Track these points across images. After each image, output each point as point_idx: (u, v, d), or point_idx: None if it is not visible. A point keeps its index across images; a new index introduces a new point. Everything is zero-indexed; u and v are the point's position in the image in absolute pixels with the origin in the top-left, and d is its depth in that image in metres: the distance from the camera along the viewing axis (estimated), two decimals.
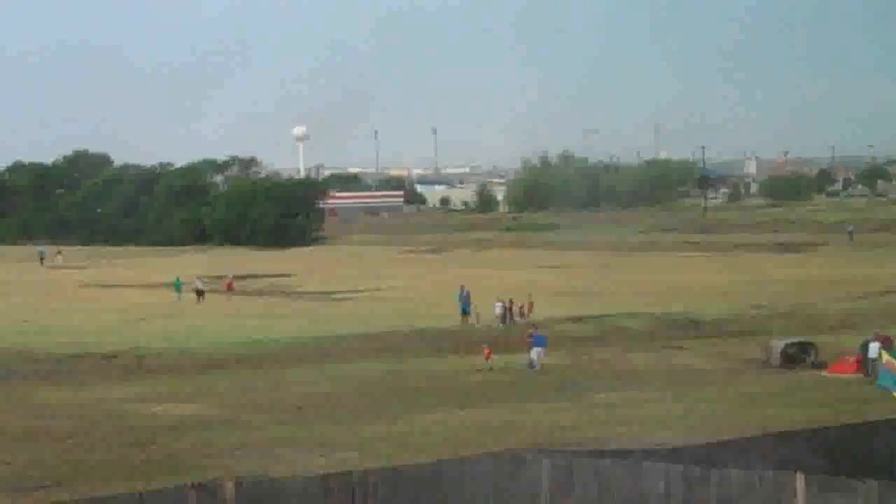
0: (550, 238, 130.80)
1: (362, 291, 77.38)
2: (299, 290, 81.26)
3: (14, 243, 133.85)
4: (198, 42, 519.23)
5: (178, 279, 76.81)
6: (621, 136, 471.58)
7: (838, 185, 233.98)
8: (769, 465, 21.41)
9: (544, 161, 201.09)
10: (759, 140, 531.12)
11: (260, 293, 78.69)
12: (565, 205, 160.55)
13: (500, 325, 55.93)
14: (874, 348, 42.11)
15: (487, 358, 45.86)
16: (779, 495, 19.53)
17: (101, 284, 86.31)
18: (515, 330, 55.56)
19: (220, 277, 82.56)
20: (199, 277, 76.80)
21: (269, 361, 47.32)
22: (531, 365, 45.14)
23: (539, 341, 46.40)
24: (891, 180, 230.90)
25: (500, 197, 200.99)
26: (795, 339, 47.42)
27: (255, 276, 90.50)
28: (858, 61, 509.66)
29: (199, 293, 72.05)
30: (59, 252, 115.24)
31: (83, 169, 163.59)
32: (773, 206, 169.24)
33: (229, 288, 78.26)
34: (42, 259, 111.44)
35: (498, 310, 57.22)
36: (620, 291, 72.85)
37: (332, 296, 75.66)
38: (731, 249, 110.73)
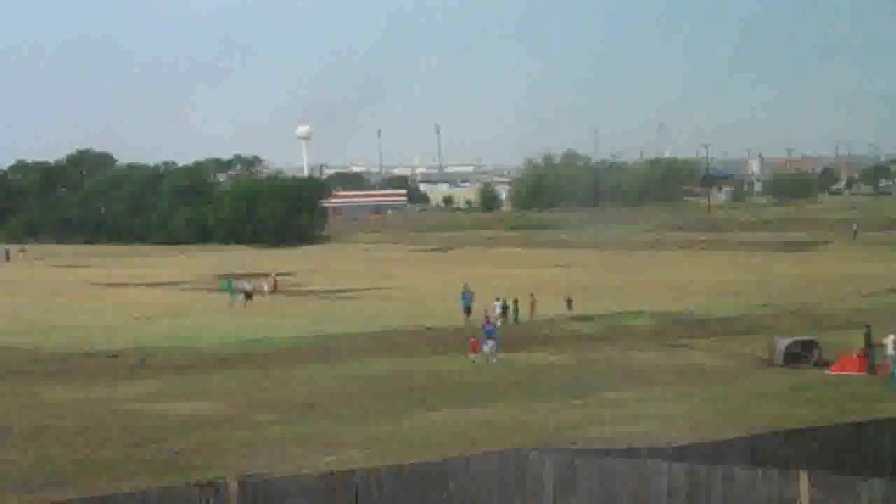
0: (557, 236, 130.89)
1: (369, 290, 77.45)
2: (306, 288, 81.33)
3: (21, 242, 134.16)
4: (201, 41, 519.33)
5: (230, 281, 75.83)
6: (625, 134, 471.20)
7: (842, 184, 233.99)
8: (774, 463, 21.49)
9: (548, 160, 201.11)
10: (763, 139, 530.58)
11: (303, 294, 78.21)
12: (571, 203, 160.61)
13: (499, 324, 55.55)
14: (891, 343, 42.21)
15: (473, 351, 46.79)
16: (783, 494, 19.61)
17: (109, 283, 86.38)
18: (520, 329, 55.67)
19: (262, 275, 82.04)
20: (245, 279, 75.85)
21: (276, 360, 47.39)
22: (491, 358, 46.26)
23: (489, 333, 47.45)
24: (894, 178, 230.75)
25: (503, 196, 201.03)
26: (799, 338, 47.50)
27: (263, 275, 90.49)
28: (861, 60, 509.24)
29: (248, 295, 70.67)
30: (22, 250, 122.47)
31: (87, 168, 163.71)
32: (778, 204, 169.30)
33: (275, 288, 77.62)
34: (8, 257, 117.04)
35: (497, 309, 57.06)
36: (627, 290, 72.92)
37: (339, 294, 75.74)
38: (737, 248, 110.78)
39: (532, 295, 59.87)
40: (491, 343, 47.14)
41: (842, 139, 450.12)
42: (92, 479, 27.71)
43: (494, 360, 46.41)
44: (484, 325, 49.24)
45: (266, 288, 76.96)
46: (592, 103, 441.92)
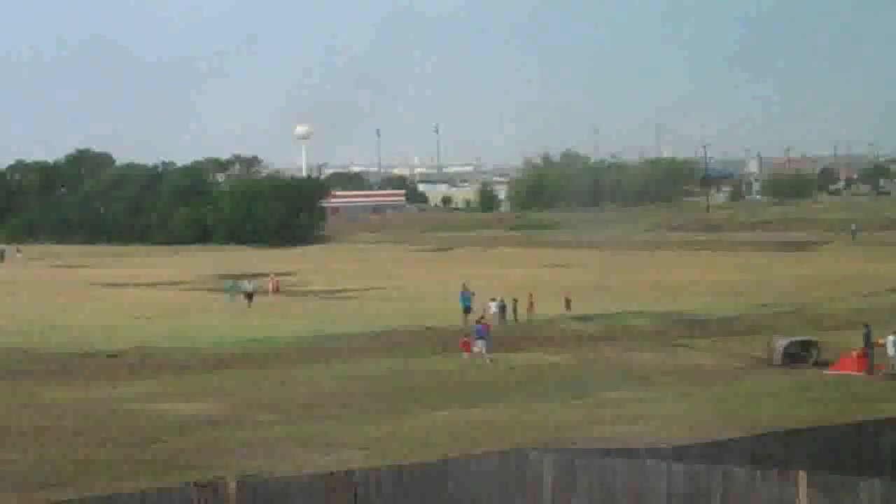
0: (556, 236, 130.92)
1: (369, 290, 77.47)
2: (305, 288, 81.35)
3: (21, 242, 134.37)
4: (200, 41, 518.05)
5: (232, 281, 75.63)
6: (624, 134, 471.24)
7: (840, 184, 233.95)
8: (774, 463, 21.52)
9: (546, 160, 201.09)
10: (762, 139, 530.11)
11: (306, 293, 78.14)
12: (570, 203, 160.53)
13: (497, 323, 55.62)
14: (891, 342, 42.27)
15: (463, 350, 47.02)
16: (782, 494, 19.64)
17: (109, 283, 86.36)
18: (519, 329, 55.70)
19: (261, 276, 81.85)
20: (246, 279, 75.48)
21: (276, 360, 47.42)
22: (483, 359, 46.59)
23: (479, 332, 47.71)
24: (893, 178, 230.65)
25: (501, 196, 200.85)
26: (797, 338, 47.56)
27: (261, 275, 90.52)
28: (861, 59, 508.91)
29: (249, 296, 69.97)
30: (19, 250, 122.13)
31: (86, 168, 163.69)
32: (777, 204, 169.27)
33: (275, 289, 77.38)
34: (3, 257, 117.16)
35: (493, 308, 57.12)
36: (627, 290, 72.89)
37: (339, 294, 75.77)
38: (736, 248, 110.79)
39: (530, 295, 59.86)
40: (481, 342, 47.29)
41: (841, 139, 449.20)
42: (92, 479, 27.73)
43: (489, 360, 46.51)
44: (475, 325, 49.54)
45: (270, 288, 76.94)
46: (592, 103, 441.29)
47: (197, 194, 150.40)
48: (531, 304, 59.24)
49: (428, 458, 24.14)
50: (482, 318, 51.67)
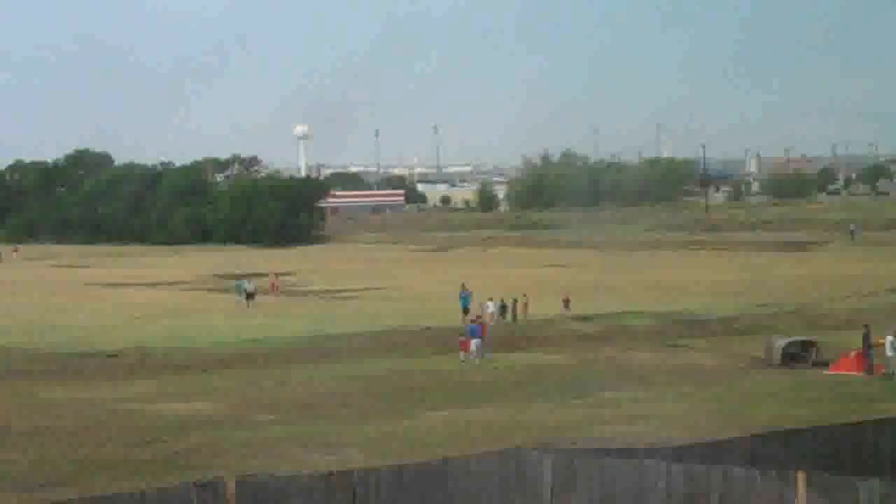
0: (555, 236, 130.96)
1: (368, 290, 77.47)
2: (305, 288, 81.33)
3: (20, 242, 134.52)
4: (199, 41, 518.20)
5: (241, 281, 75.43)
6: (623, 134, 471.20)
7: (840, 184, 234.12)
8: (773, 464, 21.52)
9: (545, 160, 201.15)
10: (761, 139, 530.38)
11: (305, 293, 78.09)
12: (569, 203, 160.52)
13: (496, 323, 55.69)
14: (889, 343, 42.26)
15: (461, 349, 47.11)
16: (781, 494, 19.65)
17: (109, 283, 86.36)
18: (519, 329, 55.72)
19: (260, 276, 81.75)
20: (247, 279, 75.14)
21: (275, 360, 47.44)
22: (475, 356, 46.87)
23: (473, 332, 47.97)
24: (892, 179, 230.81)
25: (501, 196, 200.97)
26: (796, 338, 47.57)
27: (261, 275, 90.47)
28: (861, 59, 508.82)
29: (250, 295, 69.71)
30: (16, 250, 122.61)
31: (85, 168, 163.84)
32: (776, 204, 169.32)
33: (274, 289, 77.27)
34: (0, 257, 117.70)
35: (490, 309, 57.18)
36: (626, 290, 72.91)
37: (338, 294, 75.75)
38: (735, 248, 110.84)
39: (525, 295, 59.90)
40: (475, 342, 47.42)
41: (840, 139, 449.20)
42: (91, 479, 27.74)
43: (489, 357, 46.55)
44: (469, 324, 49.68)
45: (270, 288, 76.87)
46: (592, 103, 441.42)
47: (196, 194, 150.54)
48: (525, 304, 59.28)
49: (428, 458, 24.14)
50: (478, 317, 51.80)
